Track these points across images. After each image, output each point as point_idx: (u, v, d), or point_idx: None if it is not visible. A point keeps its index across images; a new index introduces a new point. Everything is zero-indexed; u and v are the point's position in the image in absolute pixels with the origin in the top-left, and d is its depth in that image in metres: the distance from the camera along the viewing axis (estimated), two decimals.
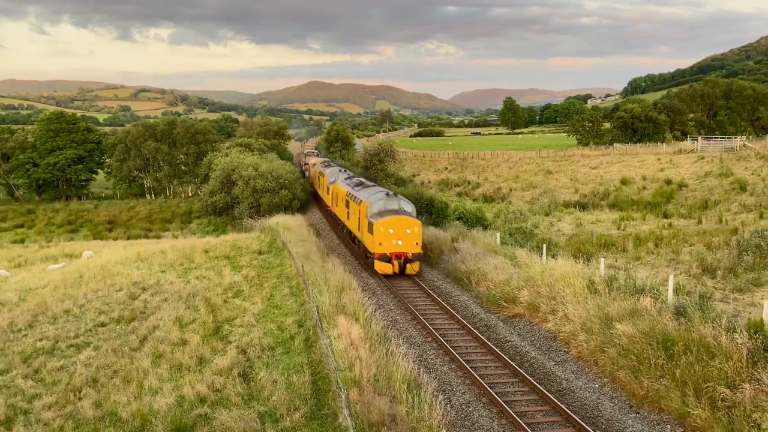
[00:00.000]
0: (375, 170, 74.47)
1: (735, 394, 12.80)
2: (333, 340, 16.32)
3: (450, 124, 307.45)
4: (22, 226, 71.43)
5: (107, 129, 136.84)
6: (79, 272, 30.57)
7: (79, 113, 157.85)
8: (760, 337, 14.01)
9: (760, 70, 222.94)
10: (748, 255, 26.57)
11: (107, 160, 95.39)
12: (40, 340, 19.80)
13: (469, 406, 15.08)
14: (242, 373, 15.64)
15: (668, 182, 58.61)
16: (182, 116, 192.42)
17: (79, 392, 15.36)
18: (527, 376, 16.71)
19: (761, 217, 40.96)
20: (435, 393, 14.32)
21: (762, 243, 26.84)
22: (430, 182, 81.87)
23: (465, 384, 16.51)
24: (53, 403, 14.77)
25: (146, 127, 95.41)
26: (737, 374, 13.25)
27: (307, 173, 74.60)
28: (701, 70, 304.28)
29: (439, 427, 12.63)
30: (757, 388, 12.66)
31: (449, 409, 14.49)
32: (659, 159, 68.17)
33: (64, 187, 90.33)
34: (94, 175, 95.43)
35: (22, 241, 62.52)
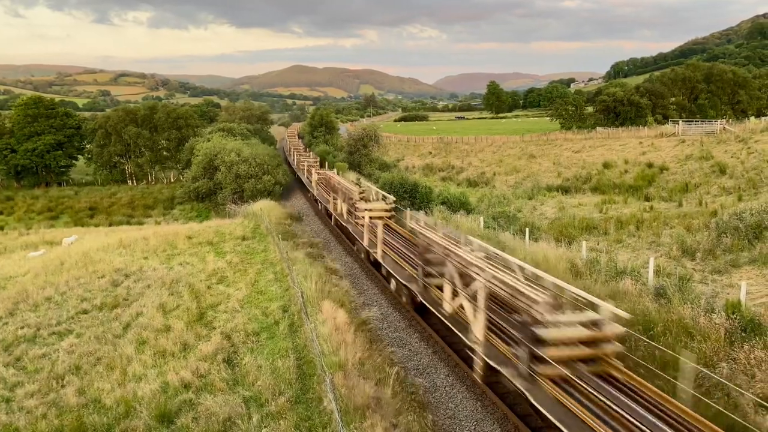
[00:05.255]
0: (359, 155, 74.34)
1: (713, 373, 13.06)
2: (318, 324, 16.35)
3: (434, 109, 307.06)
4: (1, 213, 70.40)
5: (87, 114, 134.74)
6: (60, 259, 30.24)
7: (57, 98, 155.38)
8: (738, 317, 14.28)
9: (741, 54, 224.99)
10: (726, 237, 26.98)
11: (87, 146, 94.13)
12: (22, 327, 19.60)
13: (451, 387, 15.23)
14: (227, 358, 15.63)
15: (650, 165, 59.23)
16: (163, 101, 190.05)
17: (62, 380, 15.26)
18: None
19: (740, 199, 41.60)
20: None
21: (740, 225, 27.26)
22: (414, 167, 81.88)
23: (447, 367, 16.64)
24: (36, 391, 14.66)
25: (127, 112, 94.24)
26: (715, 353, 13.52)
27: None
28: (683, 53, 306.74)
29: None
30: (734, 367, 12.93)
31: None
32: (641, 142, 68.80)
33: (44, 173, 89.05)
34: (74, 161, 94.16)
35: (1, 228, 61.65)
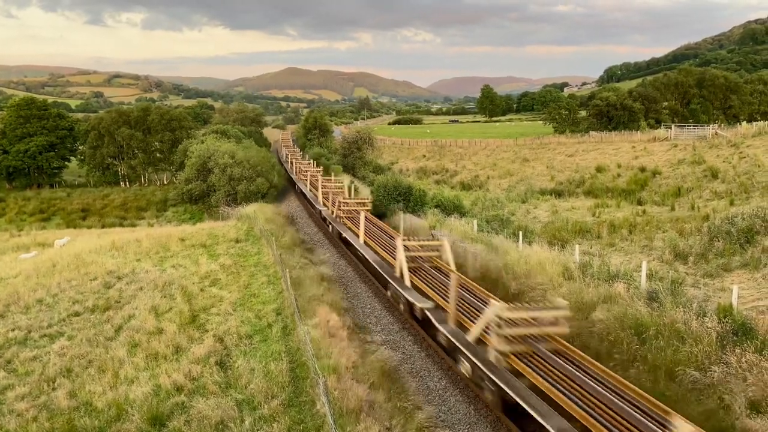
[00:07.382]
0: (353, 158, 74.33)
1: (705, 376, 13.11)
2: (311, 328, 16.31)
3: (428, 112, 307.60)
4: None
5: (80, 115, 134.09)
6: (51, 261, 30.06)
7: (50, 99, 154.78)
8: (729, 321, 14.34)
9: (733, 59, 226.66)
10: (718, 241, 27.11)
11: (80, 148, 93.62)
12: (12, 330, 19.44)
13: (447, 391, 15.24)
14: (219, 361, 15.57)
15: (642, 170, 59.51)
16: (157, 103, 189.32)
17: (53, 382, 15.14)
18: None
19: (732, 204, 41.82)
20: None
21: (732, 229, 27.39)
22: (408, 170, 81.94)
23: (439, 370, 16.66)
24: (26, 394, 14.54)
25: (120, 113, 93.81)
26: (707, 357, 13.57)
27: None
28: (675, 58, 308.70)
29: None
30: (726, 371, 12.98)
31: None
32: (634, 147, 69.11)
33: (36, 174, 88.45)
34: (66, 163, 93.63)
35: None
